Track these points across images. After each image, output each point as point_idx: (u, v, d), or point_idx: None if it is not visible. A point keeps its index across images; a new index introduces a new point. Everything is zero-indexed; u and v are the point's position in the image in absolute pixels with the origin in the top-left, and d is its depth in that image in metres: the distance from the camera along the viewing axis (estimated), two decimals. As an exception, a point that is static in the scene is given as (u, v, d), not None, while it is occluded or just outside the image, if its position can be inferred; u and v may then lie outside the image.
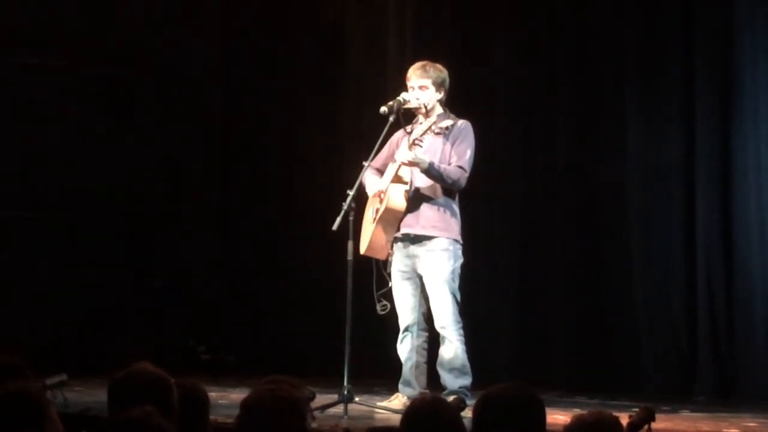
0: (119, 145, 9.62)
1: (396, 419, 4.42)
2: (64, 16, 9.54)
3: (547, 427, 3.70)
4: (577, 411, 4.43)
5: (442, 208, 6.70)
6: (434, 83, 6.75)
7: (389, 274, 6.76)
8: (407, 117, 6.83)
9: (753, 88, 8.23)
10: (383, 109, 6.67)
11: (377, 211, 6.78)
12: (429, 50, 7.74)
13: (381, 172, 6.88)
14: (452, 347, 6.63)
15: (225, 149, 10.25)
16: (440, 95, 6.79)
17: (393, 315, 6.79)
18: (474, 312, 7.71)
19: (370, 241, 6.76)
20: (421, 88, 6.75)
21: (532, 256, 8.94)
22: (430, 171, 6.60)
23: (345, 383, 6.40)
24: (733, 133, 8.28)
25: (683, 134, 8.48)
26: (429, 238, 6.68)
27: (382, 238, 6.75)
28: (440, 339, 6.69)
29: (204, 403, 3.96)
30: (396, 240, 6.76)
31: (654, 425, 4.09)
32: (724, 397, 8.07)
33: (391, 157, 6.86)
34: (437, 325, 6.67)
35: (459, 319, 6.66)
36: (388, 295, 6.75)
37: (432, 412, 3.60)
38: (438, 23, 9.29)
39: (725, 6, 8.35)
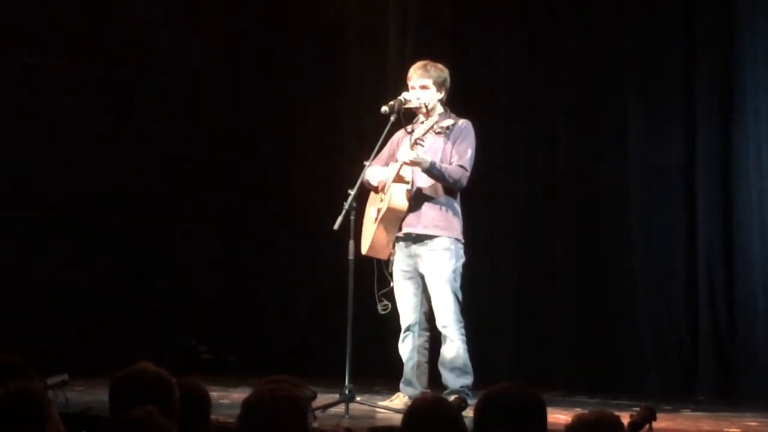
0: (119, 145, 9.61)
1: (397, 419, 4.42)
2: (64, 16, 9.54)
3: (548, 427, 3.70)
4: (578, 410, 4.43)
5: (443, 208, 6.70)
6: (435, 83, 6.76)
7: (391, 274, 6.77)
8: (408, 116, 6.83)
9: (753, 88, 8.23)
10: (384, 108, 6.67)
11: (379, 210, 6.79)
12: (429, 50, 7.74)
13: (382, 170, 6.89)
14: (454, 346, 6.63)
15: (225, 149, 10.24)
16: (441, 95, 6.79)
17: (394, 314, 6.79)
18: (475, 312, 7.71)
19: (372, 241, 6.76)
20: (422, 87, 6.75)
21: (532, 256, 8.94)
22: (431, 170, 6.61)
23: (346, 383, 6.40)
24: (734, 133, 8.28)
25: (683, 134, 8.48)
26: (431, 237, 6.69)
27: (384, 238, 6.75)
28: (442, 338, 6.69)
29: (205, 403, 3.96)
30: (398, 239, 6.76)
31: (655, 425, 4.09)
32: (725, 397, 8.07)
33: (391, 157, 6.86)
34: (439, 325, 6.67)
35: (460, 318, 6.66)
36: (390, 295, 6.76)
37: (433, 412, 3.60)
38: (438, 23, 9.29)
39: (725, 6, 8.35)
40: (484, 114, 8.17)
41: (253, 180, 9.99)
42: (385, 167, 6.83)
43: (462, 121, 6.76)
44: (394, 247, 6.77)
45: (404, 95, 6.74)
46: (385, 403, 6.73)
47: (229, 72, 10.26)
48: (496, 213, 9.03)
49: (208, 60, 10.19)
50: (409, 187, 6.70)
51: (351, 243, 6.58)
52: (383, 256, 6.81)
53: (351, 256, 6.56)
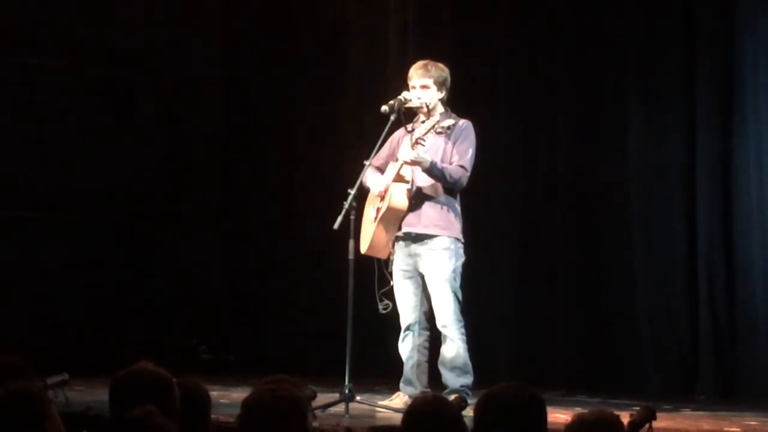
0: (119, 145, 9.61)
1: (397, 418, 4.42)
2: (64, 16, 9.54)
3: (548, 426, 3.70)
4: (578, 410, 4.43)
5: (443, 207, 6.70)
6: (436, 82, 6.75)
7: (390, 273, 6.77)
8: (408, 116, 6.82)
9: (753, 87, 8.23)
10: (384, 108, 6.67)
11: (378, 210, 6.79)
12: (429, 50, 7.74)
13: (381, 171, 6.88)
14: (454, 346, 6.63)
15: (225, 149, 10.25)
16: (442, 94, 6.79)
17: (394, 314, 6.79)
18: (475, 311, 7.70)
19: (372, 241, 6.77)
20: (422, 87, 6.75)
21: (532, 255, 8.94)
22: (431, 170, 6.61)
23: (346, 382, 6.40)
24: (734, 133, 8.28)
25: (684, 134, 8.48)
26: (431, 236, 6.69)
27: (384, 237, 6.75)
28: (442, 338, 6.69)
29: (205, 403, 3.96)
30: (397, 239, 6.76)
31: (655, 424, 4.09)
32: (726, 396, 8.07)
33: (391, 156, 6.86)
34: (439, 324, 6.67)
35: (460, 317, 6.66)
36: (390, 294, 6.76)
37: (433, 411, 3.60)
38: (438, 23, 9.29)
39: (725, 6, 8.35)
40: (484, 114, 8.18)
41: (253, 180, 9.99)
42: (384, 175, 6.82)
43: (462, 121, 6.76)
44: (393, 246, 6.77)
45: (404, 95, 6.74)
46: (385, 402, 6.72)
47: (229, 72, 10.26)
48: (496, 213, 9.02)
49: (208, 60, 10.19)
50: (409, 186, 6.70)
51: (351, 242, 6.59)
52: (383, 255, 6.81)
53: (351, 256, 6.56)
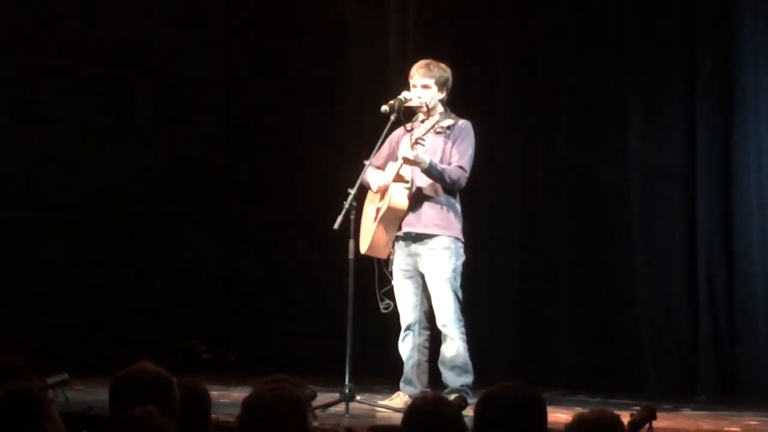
0: (119, 145, 9.61)
1: (397, 418, 4.42)
2: (64, 16, 9.54)
3: (549, 426, 3.70)
4: (579, 410, 4.43)
5: (443, 207, 6.70)
6: (437, 82, 6.75)
7: (391, 273, 6.77)
8: (407, 115, 6.83)
9: (753, 88, 8.23)
10: (384, 107, 6.67)
11: (378, 210, 6.79)
12: (429, 50, 7.73)
13: (381, 170, 6.88)
14: (454, 345, 6.63)
15: (225, 149, 10.25)
16: (442, 95, 6.79)
17: (394, 314, 6.79)
18: (475, 311, 7.70)
19: (372, 240, 6.77)
20: (423, 87, 6.75)
21: (532, 255, 8.94)
22: (430, 170, 6.61)
23: (346, 382, 6.40)
24: (734, 132, 8.28)
25: (683, 134, 8.48)
26: (431, 236, 6.69)
27: (384, 237, 6.75)
28: (442, 337, 6.69)
29: (205, 402, 3.96)
30: (397, 238, 6.76)
31: (655, 424, 4.09)
32: (726, 396, 8.07)
33: (391, 155, 6.86)
34: (439, 324, 6.67)
35: (461, 317, 6.67)
36: (390, 294, 6.76)
37: (433, 411, 3.60)
38: (438, 23, 9.29)
39: (725, 6, 8.35)
40: (484, 114, 8.18)
41: (253, 180, 9.99)
42: (384, 172, 6.82)
43: (462, 122, 6.76)
44: (393, 246, 6.77)
45: (405, 94, 6.74)
46: (385, 402, 6.73)
47: (229, 72, 10.26)
48: (496, 213, 9.03)
49: (208, 60, 10.19)
50: (409, 186, 6.70)
51: (351, 242, 6.59)
52: (383, 255, 6.81)
53: (351, 256, 6.56)
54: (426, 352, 6.77)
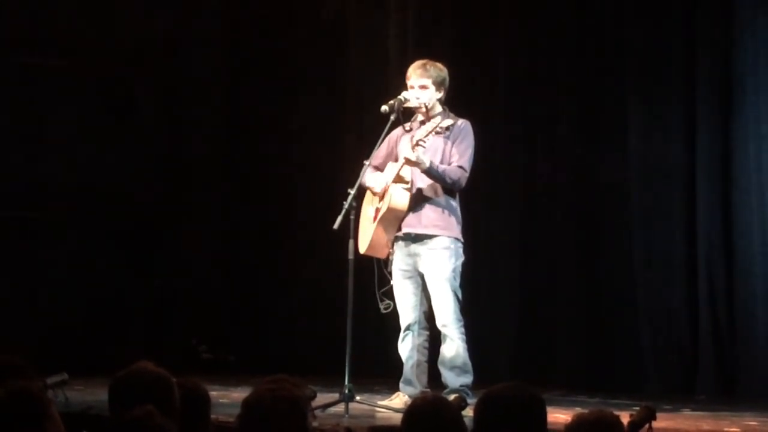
0: (119, 145, 9.61)
1: (397, 418, 4.42)
2: (64, 16, 9.54)
3: (548, 426, 3.69)
4: (578, 410, 4.43)
5: (443, 208, 6.71)
6: (434, 82, 6.76)
7: (390, 273, 6.77)
8: (406, 115, 6.83)
9: (753, 87, 8.23)
10: (384, 108, 6.68)
11: (377, 210, 6.79)
12: (429, 50, 7.74)
13: (380, 170, 6.88)
14: (453, 345, 6.63)
15: (225, 149, 10.25)
16: (440, 94, 6.79)
17: (394, 314, 6.79)
18: (475, 311, 7.70)
19: (371, 241, 6.77)
20: (421, 87, 6.75)
21: (532, 255, 8.94)
22: (430, 171, 6.61)
23: (346, 382, 6.40)
24: (734, 132, 8.28)
25: (684, 134, 8.48)
26: (430, 236, 6.69)
27: (383, 238, 6.76)
28: (441, 337, 6.69)
29: (205, 402, 3.96)
30: (397, 239, 6.76)
31: (655, 424, 4.09)
32: (726, 396, 8.07)
33: (390, 155, 6.87)
34: (438, 324, 6.67)
35: (460, 317, 6.67)
36: (390, 294, 6.76)
37: (433, 411, 3.60)
38: (438, 23, 9.29)
39: (725, 6, 8.35)
40: (484, 114, 8.18)
41: (253, 180, 9.99)
42: (384, 173, 6.82)
43: (461, 121, 6.77)
44: (393, 246, 6.77)
45: (404, 94, 6.75)
46: (385, 402, 6.73)
47: (229, 72, 10.26)
48: (496, 213, 9.03)
49: (208, 60, 10.19)
50: (408, 186, 6.70)
51: (351, 242, 6.59)
52: (382, 255, 6.81)
53: (351, 256, 6.56)
54: (425, 352, 6.77)
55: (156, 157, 9.90)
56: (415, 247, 6.72)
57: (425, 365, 6.78)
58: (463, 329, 6.67)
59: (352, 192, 6.58)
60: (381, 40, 9.55)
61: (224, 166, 10.21)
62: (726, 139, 8.33)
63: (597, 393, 7.96)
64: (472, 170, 6.74)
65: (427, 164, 6.58)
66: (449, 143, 6.72)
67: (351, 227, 6.59)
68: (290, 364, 8.05)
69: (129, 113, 9.74)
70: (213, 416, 4.19)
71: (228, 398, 6.93)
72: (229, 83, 10.25)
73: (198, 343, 9.84)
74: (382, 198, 6.78)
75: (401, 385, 6.81)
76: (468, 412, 3.87)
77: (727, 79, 8.33)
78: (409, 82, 6.79)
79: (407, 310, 6.74)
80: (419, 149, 6.61)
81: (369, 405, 6.60)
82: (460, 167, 6.67)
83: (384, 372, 7.74)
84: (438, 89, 6.78)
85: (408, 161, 6.61)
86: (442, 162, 6.68)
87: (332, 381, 6.72)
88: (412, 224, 6.72)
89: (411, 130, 6.79)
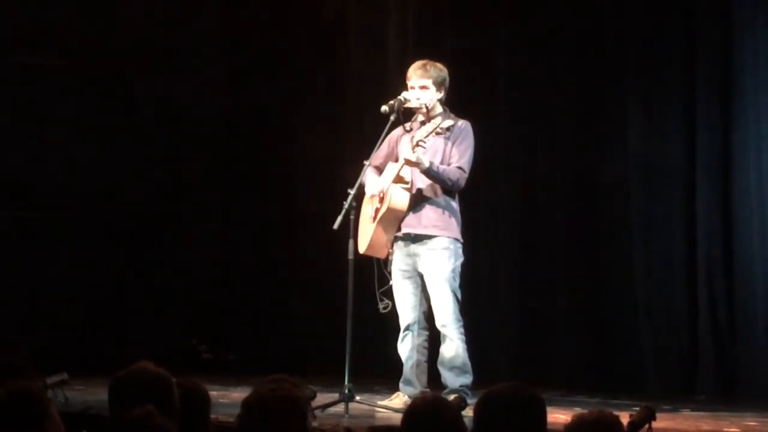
0: (119, 145, 9.62)
1: (397, 418, 4.42)
2: (64, 16, 9.54)
3: (548, 427, 3.69)
4: (578, 410, 4.43)
5: (443, 208, 6.71)
6: (435, 83, 6.76)
7: (390, 273, 6.77)
8: (406, 115, 6.84)
9: (753, 87, 8.23)
10: (384, 108, 6.68)
11: (377, 210, 6.79)
12: (429, 50, 7.74)
13: (380, 170, 6.89)
14: (453, 346, 6.63)
15: (225, 149, 10.25)
16: (440, 95, 6.79)
17: (393, 314, 6.79)
18: (475, 311, 7.71)
19: (371, 241, 6.77)
20: (421, 88, 6.75)
21: (532, 255, 8.94)
22: (429, 172, 6.61)
23: (346, 382, 6.40)
24: (734, 132, 8.28)
25: (684, 134, 8.48)
26: (430, 237, 6.69)
27: (383, 238, 6.76)
28: (441, 337, 6.69)
29: (205, 402, 3.96)
30: (396, 239, 6.76)
31: (655, 424, 4.09)
32: (725, 396, 8.07)
33: (390, 155, 6.87)
34: (438, 324, 6.67)
35: (460, 317, 6.67)
36: (389, 294, 6.76)
37: (433, 411, 3.60)
38: (438, 23, 9.29)
39: (725, 6, 8.35)
40: (484, 114, 8.18)
41: (253, 180, 9.99)
42: (382, 176, 6.83)
43: (461, 122, 6.77)
44: (392, 246, 6.77)
45: (404, 95, 6.75)
46: (385, 402, 6.73)
47: (229, 72, 10.26)
48: (496, 213, 9.03)
49: (208, 60, 10.19)
50: (408, 187, 6.70)
51: (351, 242, 6.59)
52: (381, 255, 6.81)
53: (351, 256, 6.56)
54: (425, 352, 6.78)
55: (156, 157, 9.90)
56: (414, 247, 6.72)
57: (425, 365, 6.78)
58: (462, 329, 6.67)
59: (352, 192, 6.58)
60: (381, 40, 9.55)
61: (224, 166, 10.22)
62: (726, 139, 8.32)
63: (597, 393, 7.96)
64: (472, 170, 6.74)
65: (427, 165, 6.58)
66: (449, 144, 6.72)
67: (351, 227, 6.59)
68: (290, 364, 8.08)
69: (129, 113, 9.74)
70: (213, 416, 4.19)
71: (228, 398, 6.93)
72: (229, 83, 10.25)
73: (198, 343, 9.85)
74: (382, 199, 6.78)
75: (401, 385, 6.81)
76: (468, 413, 3.88)
77: (727, 79, 8.32)
78: (409, 83, 6.79)
79: (407, 310, 6.74)
80: (419, 150, 6.61)
81: (369, 405, 6.60)
82: (460, 168, 6.67)
83: (384, 372, 7.74)
84: (438, 89, 6.78)
85: (408, 162, 6.61)
86: (442, 162, 6.68)
87: (332, 381, 6.72)
88: (411, 224, 6.72)
89: (411, 130, 6.80)
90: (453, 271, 6.67)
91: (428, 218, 6.71)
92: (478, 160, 6.81)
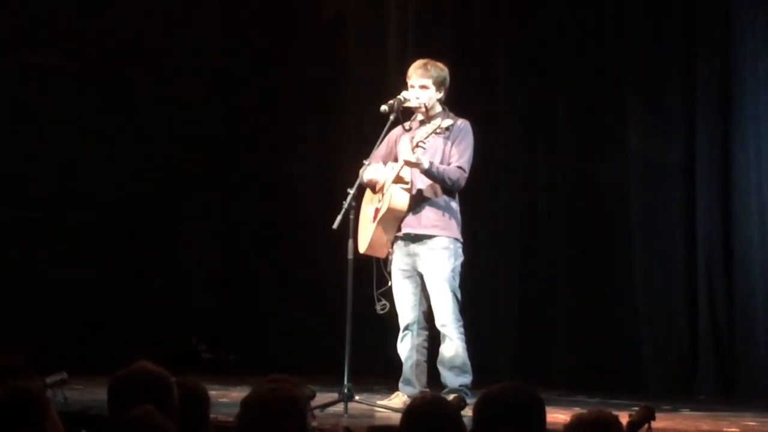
0: (119, 144, 9.62)
1: (396, 418, 4.41)
2: (64, 16, 9.54)
3: (548, 426, 3.69)
4: (577, 410, 4.43)
5: (443, 208, 6.71)
6: (435, 83, 6.75)
7: (389, 273, 6.77)
8: (406, 114, 6.83)
9: (753, 87, 8.23)
10: (384, 107, 6.68)
11: (377, 210, 6.79)
12: (429, 50, 7.73)
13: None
14: (453, 345, 6.63)
15: (225, 149, 10.25)
16: (440, 94, 6.79)
17: (393, 313, 6.79)
18: (475, 311, 7.71)
19: (371, 241, 6.77)
20: (421, 87, 6.75)
21: (532, 255, 8.94)
22: (429, 172, 6.61)
23: (345, 382, 6.40)
24: (734, 132, 8.28)
25: (683, 134, 8.48)
26: (430, 237, 6.69)
27: (383, 238, 6.76)
28: (441, 337, 6.69)
29: (204, 402, 3.95)
30: (396, 238, 6.76)
31: (654, 424, 4.09)
32: (725, 396, 8.07)
33: (389, 154, 6.87)
34: (438, 324, 6.67)
35: (459, 317, 6.67)
36: (388, 294, 6.76)
37: (432, 411, 3.60)
38: (438, 23, 9.29)
39: (725, 6, 8.35)
40: (484, 114, 8.18)
41: (253, 180, 9.99)
42: (382, 166, 6.83)
43: (461, 121, 6.77)
44: (392, 246, 6.77)
45: (404, 94, 6.75)
46: (384, 402, 6.72)
47: (229, 72, 10.27)
48: (496, 213, 9.03)
49: (208, 60, 10.19)
50: (408, 187, 6.70)
51: (350, 242, 6.59)
52: (381, 255, 6.81)
53: (350, 256, 6.56)
54: (425, 352, 6.77)
55: (156, 157, 9.90)
56: (414, 247, 6.72)
57: (424, 365, 6.78)
58: (462, 329, 6.67)
59: (352, 192, 6.58)
60: (381, 40, 9.55)
61: (224, 166, 10.22)
62: (726, 139, 8.32)
63: (596, 393, 7.96)
64: (472, 170, 6.74)
65: (427, 165, 6.58)
66: (449, 143, 6.72)
67: (350, 227, 6.59)
68: (290, 363, 8.09)
69: (129, 113, 9.74)
70: (212, 416, 4.19)
71: (227, 398, 6.92)
72: (229, 83, 10.25)
73: (198, 343, 9.85)
74: (381, 198, 6.78)
75: (400, 384, 6.81)
76: (467, 412, 3.87)
77: (727, 79, 8.32)
78: (409, 82, 6.79)
79: (406, 309, 6.74)
80: (419, 151, 6.61)
81: (368, 405, 6.60)
82: (459, 168, 6.67)
83: (383, 372, 7.74)
84: (438, 89, 6.78)
85: (408, 163, 6.61)
86: (441, 162, 6.68)
87: (331, 380, 6.72)
88: (411, 225, 6.72)
89: (410, 129, 6.80)
90: (453, 270, 6.67)
91: (428, 218, 6.71)
92: (477, 160, 6.81)
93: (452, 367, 6.64)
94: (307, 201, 9.40)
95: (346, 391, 6.38)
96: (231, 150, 10.19)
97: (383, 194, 6.76)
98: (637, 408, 4.19)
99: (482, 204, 8.61)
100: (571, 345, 8.73)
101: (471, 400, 4.44)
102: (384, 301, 6.74)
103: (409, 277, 6.75)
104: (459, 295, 6.67)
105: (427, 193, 6.71)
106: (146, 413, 3.32)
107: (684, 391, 8.20)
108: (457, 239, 6.72)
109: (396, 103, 6.69)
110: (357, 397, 6.50)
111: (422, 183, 6.70)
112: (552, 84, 8.97)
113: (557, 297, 8.83)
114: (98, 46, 9.60)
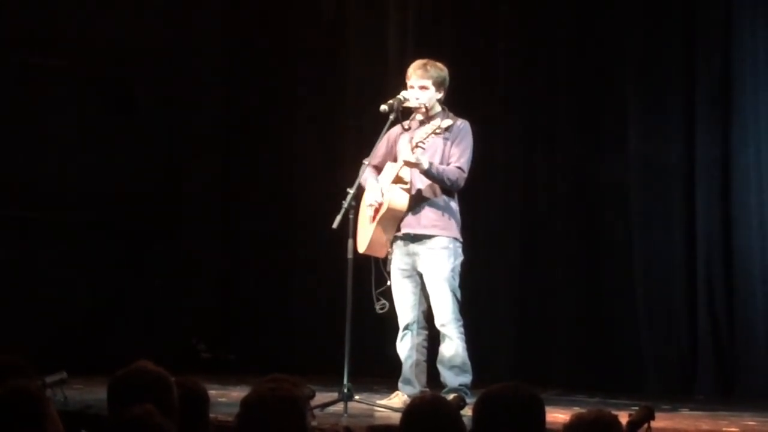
0: (119, 145, 9.62)
1: (396, 417, 4.42)
2: (64, 16, 9.54)
3: (547, 426, 3.69)
4: (577, 410, 4.42)
5: (442, 208, 6.71)
6: (434, 83, 6.76)
7: (389, 273, 6.77)
8: (405, 113, 6.84)
9: (753, 87, 8.24)
10: (383, 107, 6.68)
11: (377, 211, 6.79)
12: (429, 50, 7.73)
13: (379, 169, 6.89)
14: (452, 345, 6.63)
15: (225, 149, 10.25)
16: (440, 95, 6.79)
17: (393, 313, 6.79)
18: (474, 311, 7.71)
19: (371, 241, 6.77)
20: (421, 87, 6.75)
21: (532, 255, 8.95)
22: (429, 172, 6.61)
23: (345, 381, 6.40)
24: (734, 132, 8.29)
25: (683, 134, 8.49)
26: (429, 236, 6.69)
27: (383, 238, 6.76)
28: (440, 337, 6.69)
29: (204, 402, 3.96)
30: (396, 238, 6.76)
31: (654, 424, 4.09)
32: (724, 396, 8.08)
33: (389, 154, 6.87)
34: (437, 323, 6.68)
35: (459, 317, 6.67)
36: (388, 294, 6.76)
37: (432, 411, 3.61)
38: (438, 23, 9.30)
39: (725, 6, 8.35)
40: (484, 114, 8.18)
41: (253, 180, 9.99)
42: (380, 178, 6.83)
43: (460, 121, 6.77)
44: (392, 246, 6.78)
45: (403, 94, 6.75)
46: (384, 401, 6.72)
47: (229, 72, 10.26)
48: (496, 213, 9.03)
49: (208, 60, 10.19)
50: (408, 187, 6.71)
51: (350, 242, 6.59)
52: (381, 254, 6.81)
53: (350, 255, 6.56)
54: (424, 351, 6.78)
55: (156, 157, 9.90)
56: (414, 247, 6.72)
57: (424, 365, 6.78)
58: (462, 329, 6.67)
59: (351, 191, 6.58)
60: (381, 40, 9.56)
61: (224, 166, 10.22)
62: (726, 139, 8.33)
63: (596, 393, 7.96)
64: (471, 170, 6.74)
65: (426, 166, 6.58)
66: (448, 143, 6.72)
67: (350, 226, 6.59)
68: (290, 363, 8.09)
69: (129, 113, 9.74)
70: (212, 415, 4.19)
71: (227, 397, 6.92)
72: (229, 83, 10.25)
73: (198, 343, 9.85)
74: (379, 205, 6.79)
75: (400, 384, 6.81)
76: (467, 412, 3.88)
77: (727, 79, 8.33)
78: (409, 82, 6.79)
79: (406, 309, 6.74)
80: (418, 151, 6.62)
81: (368, 404, 6.60)
82: (459, 168, 6.67)
83: (383, 371, 7.74)
84: (438, 89, 6.78)
85: (407, 163, 6.61)
86: (441, 162, 6.69)
87: (331, 380, 6.72)
88: (411, 224, 6.72)
89: (410, 128, 6.80)
90: (452, 270, 6.67)
91: (428, 218, 6.71)
92: (477, 160, 6.82)
93: (452, 367, 6.64)
94: (307, 201, 9.40)
95: (345, 390, 6.38)
96: (231, 150, 10.19)
97: (383, 195, 6.76)
98: (636, 408, 4.19)
99: (482, 204, 8.61)
100: (571, 345, 8.74)
101: (471, 400, 4.45)
102: (383, 301, 6.75)
103: (408, 277, 6.75)
104: (459, 295, 6.67)
105: (427, 193, 6.71)
106: (146, 413, 3.32)
107: (683, 391, 8.21)
108: (456, 239, 6.72)
109: (396, 103, 6.69)
110: (357, 397, 6.50)
111: (422, 183, 6.71)
112: (552, 84, 8.97)
113: (557, 297, 8.83)
114: (98, 46, 9.60)
